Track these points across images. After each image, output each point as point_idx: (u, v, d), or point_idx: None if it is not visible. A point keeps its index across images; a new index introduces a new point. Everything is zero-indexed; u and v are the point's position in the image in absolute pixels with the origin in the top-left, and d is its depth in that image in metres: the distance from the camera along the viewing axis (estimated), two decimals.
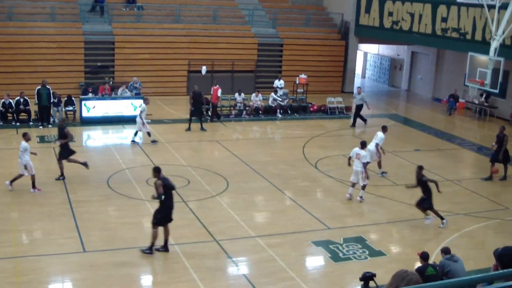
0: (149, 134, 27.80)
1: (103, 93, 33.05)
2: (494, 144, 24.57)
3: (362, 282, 11.76)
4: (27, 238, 17.62)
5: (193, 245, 17.19)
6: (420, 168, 19.84)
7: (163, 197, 16.36)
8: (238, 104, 34.58)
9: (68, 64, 36.93)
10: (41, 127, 29.62)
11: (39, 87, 29.75)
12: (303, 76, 37.21)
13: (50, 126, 29.66)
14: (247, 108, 34.49)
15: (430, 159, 26.89)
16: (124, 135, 29.81)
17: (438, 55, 42.67)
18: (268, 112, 34.88)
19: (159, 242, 16.61)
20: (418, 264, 13.89)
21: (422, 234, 19.06)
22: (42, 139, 27.70)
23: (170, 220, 16.68)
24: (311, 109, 36.18)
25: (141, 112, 27.55)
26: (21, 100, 30.32)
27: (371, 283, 11.68)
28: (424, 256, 13.72)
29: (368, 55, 52.36)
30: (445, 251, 13.95)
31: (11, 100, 30.38)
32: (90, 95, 32.78)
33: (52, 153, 25.32)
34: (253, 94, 35.11)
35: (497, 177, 24.55)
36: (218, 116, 33.09)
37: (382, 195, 22.00)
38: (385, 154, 24.11)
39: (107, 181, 22.27)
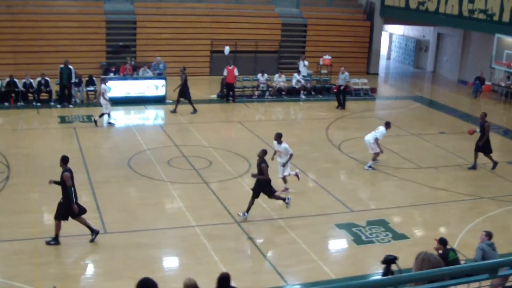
0: (101, 115, 27.02)
1: (125, 73, 32.90)
2: (477, 131, 23.22)
3: (384, 265, 11.57)
4: (46, 219, 17.51)
5: (214, 227, 17.03)
6: (264, 152, 18.09)
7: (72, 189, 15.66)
8: (261, 85, 34.30)
9: (90, 43, 36.81)
10: (58, 106, 29.58)
11: (62, 65, 29.71)
12: (327, 57, 36.81)
13: (71, 106, 29.55)
14: (270, 89, 34.21)
15: (455, 142, 26.53)
16: (146, 116, 29.70)
17: (464, 36, 42.01)
18: (291, 93, 34.56)
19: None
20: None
21: (445, 218, 18.73)
22: (62, 119, 27.64)
23: (70, 215, 15.82)
24: (335, 90, 35.77)
25: (103, 93, 26.89)
26: (42, 81, 30.29)
27: (393, 266, 11.48)
28: (442, 242, 13.45)
29: (393, 36, 51.81)
30: (489, 235, 13.67)
31: (32, 80, 30.37)
32: (112, 74, 32.63)
33: (73, 133, 25.28)
34: (276, 75, 34.85)
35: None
36: (229, 96, 32.75)
37: (405, 178, 21.67)
38: (383, 153, 22.77)
39: (128, 162, 22.13)
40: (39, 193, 18.97)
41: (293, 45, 41.42)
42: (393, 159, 23.23)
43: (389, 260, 11.46)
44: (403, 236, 16.94)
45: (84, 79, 31.46)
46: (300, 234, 16.68)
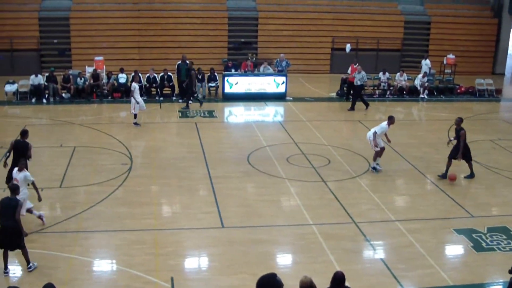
0: (135, 116, 26.38)
1: (246, 69, 33.25)
2: (452, 139, 21.36)
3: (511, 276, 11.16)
4: (166, 211, 18.00)
5: (331, 226, 16.92)
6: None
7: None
8: (382, 84, 33.89)
9: (212, 40, 37.56)
10: (180, 100, 30.24)
11: (179, 62, 30.36)
12: (451, 56, 35.92)
13: (190, 101, 30.11)
14: (391, 88, 33.74)
15: None
16: (266, 112, 29.93)
17: None
18: (413, 93, 33.93)
19: None
20: None
21: None
22: (183, 114, 28.28)
23: None
24: (458, 90, 34.92)
25: (133, 91, 26.17)
26: (165, 76, 31.08)
27: None
28: None
29: None
30: None
31: (155, 75, 31.20)
32: (233, 70, 33.10)
33: (194, 128, 25.80)
34: (398, 74, 34.31)
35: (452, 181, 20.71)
36: (350, 95, 32.39)
37: None
38: (378, 148, 21.22)
39: (248, 157, 22.35)
40: (159, 185, 19.48)
41: (416, 44, 40.70)
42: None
43: None
44: None
45: (206, 75, 32.00)
46: (418, 238, 16.34)
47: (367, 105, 30.80)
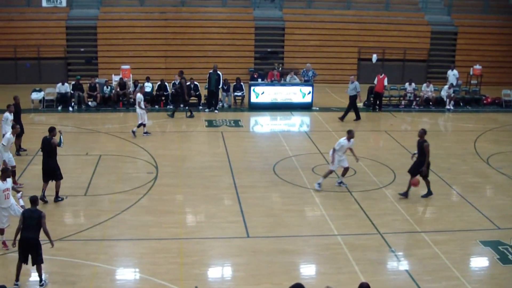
0: (139, 125, 26.03)
1: (272, 79, 33.27)
2: (415, 152, 19.97)
3: None
4: (191, 220, 18.07)
5: (357, 237, 16.87)
6: None
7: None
8: (408, 94, 33.73)
9: (238, 49, 37.66)
10: (207, 110, 30.31)
11: (211, 71, 30.39)
12: (477, 66, 35.64)
13: (216, 111, 30.20)
14: (417, 98, 33.57)
15: None
16: (292, 122, 29.92)
17: None
18: (439, 104, 33.74)
19: None
20: None
21: None
22: (210, 123, 28.37)
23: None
24: (485, 101, 34.66)
25: (139, 102, 25.92)
26: (191, 85, 31.15)
27: None
28: None
29: None
30: None
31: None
32: (259, 80, 33.11)
33: (220, 137, 25.86)
34: (424, 84, 34.13)
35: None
36: (376, 105, 32.38)
37: None
38: (332, 168, 20.42)
39: (273, 167, 22.34)
40: (185, 194, 19.56)
41: (442, 54, 40.46)
42: None
43: None
44: None
45: (232, 84, 32.07)
46: (443, 249, 16.22)
47: (358, 116, 30.18)
